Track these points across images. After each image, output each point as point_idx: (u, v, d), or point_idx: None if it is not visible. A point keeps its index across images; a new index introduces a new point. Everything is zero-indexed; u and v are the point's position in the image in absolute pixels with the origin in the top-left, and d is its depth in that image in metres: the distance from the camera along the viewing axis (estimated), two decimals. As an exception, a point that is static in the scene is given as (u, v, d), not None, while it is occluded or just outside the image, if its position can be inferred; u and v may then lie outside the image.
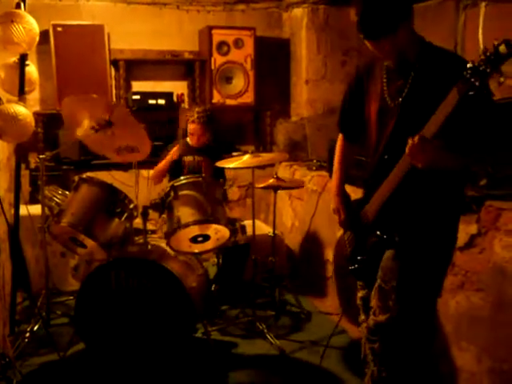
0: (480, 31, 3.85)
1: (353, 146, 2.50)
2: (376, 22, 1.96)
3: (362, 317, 2.41)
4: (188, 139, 4.01)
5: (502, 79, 1.71)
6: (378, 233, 2.20)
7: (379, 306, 2.20)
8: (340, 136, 2.51)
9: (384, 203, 2.17)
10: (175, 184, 3.14)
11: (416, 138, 1.88)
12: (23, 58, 3.17)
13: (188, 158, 4.02)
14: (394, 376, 2.22)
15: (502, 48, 1.67)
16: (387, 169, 2.11)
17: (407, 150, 1.92)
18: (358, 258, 2.35)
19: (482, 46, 2.99)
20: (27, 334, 3.18)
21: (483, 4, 4.00)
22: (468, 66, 1.75)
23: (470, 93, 1.75)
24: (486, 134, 1.97)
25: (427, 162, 1.91)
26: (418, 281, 2.16)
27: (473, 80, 1.73)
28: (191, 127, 3.93)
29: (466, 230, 2.53)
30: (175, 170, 3.95)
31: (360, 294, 2.44)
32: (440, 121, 1.86)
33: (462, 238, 2.55)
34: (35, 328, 3.23)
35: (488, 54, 1.71)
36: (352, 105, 2.36)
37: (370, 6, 1.96)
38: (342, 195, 2.49)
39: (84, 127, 3.10)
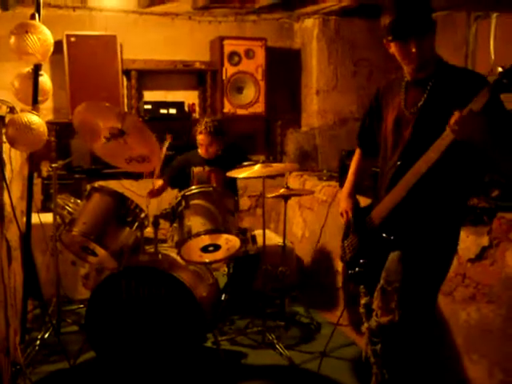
0: (491, 42, 3.86)
1: (368, 159, 2.60)
2: (410, 21, 2.06)
3: (366, 325, 2.42)
4: (199, 150, 4.02)
5: None
6: (385, 235, 2.25)
7: (381, 307, 2.23)
8: (357, 150, 2.64)
9: (393, 207, 2.22)
10: (186, 193, 3.15)
11: (464, 111, 1.93)
12: (37, 68, 3.20)
13: (197, 169, 4.02)
14: (396, 377, 2.25)
15: None
16: (399, 176, 2.18)
17: (452, 121, 1.95)
18: (360, 261, 2.39)
19: (493, 57, 3.02)
20: (38, 342, 3.19)
21: (494, 15, 4.01)
22: (499, 69, 1.89)
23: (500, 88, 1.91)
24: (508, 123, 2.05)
25: (470, 133, 1.96)
26: (421, 283, 2.20)
27: (504, 80, 1.88)
28: (199, 138, 3.93)
29: (477, 242, 2.52)
30: (184, 180, 3.95)
31: (363, 300, 2.46)
32: (479, 106, 1.94)
33: (473, 249, 2.54)
34: (46, 336, 3.25)
35: None
36: (371, 121, 2.47)
37: (405, 7, 2.08)
38: (352, 198, 2.57)
39: (96, 136, 3.12)
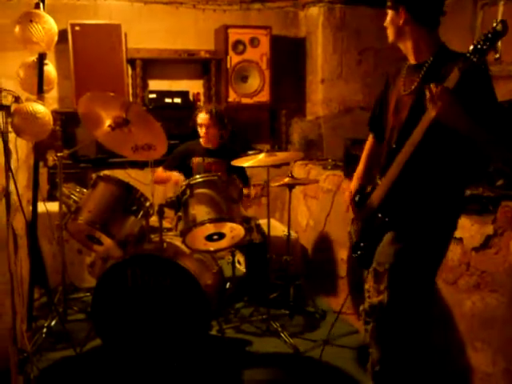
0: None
1: (380, 144, 2.61)
2: None
3: (362, 307, 2.46)
4: (200, 140, 3.98)
5: (496, 55, 1.93)
6: (380, 215, 2.30)
7: (373, 287, 2.28)
8: (370, 135, 2.68)
9: (388, 189, 2.27)
10: (191, 182, 3.15)
11: (439, 87, 1.97)
12: (42, 58, 3.21)
13: (197, 160, 3.99)
14: (387, 357, 2.29)
15: (499, 27, 1.87)
16: (393, 158, 2.23)
17: (427, 94, 2.00)
18: (361, 244, 2.45)
19: (499, 45, 3.02)
20: (44, 330, 3.23)
21: (501, 2, 3.98)
22: (470, 47, 1.91)
23: (469, 69, 1.93)
24: (489, 110, 2.04)
25: (443, 111, 1.98)
26: (411, 266, 2.23)
27: (471, 57, 1.91)
28: (199, 117, 3.88)
29: (481, 231, 2.52)
30: (184, 171, 3.92)
31: (366, 286, 2.47)
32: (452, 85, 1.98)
33: (477, 238, 2.55)
34: (52, 323, 3.28)
35: (487, 32, 1.89)
36: (381, 105, 2.49)
37: None
38: (360, 180, 2.64)
39: (101, 126, 3.13)
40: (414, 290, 2.27)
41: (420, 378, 2.42)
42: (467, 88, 1.97)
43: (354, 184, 2.66)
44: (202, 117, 3.88)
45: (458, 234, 2.64)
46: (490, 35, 1.88)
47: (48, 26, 3.02)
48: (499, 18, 3.28)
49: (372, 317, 2.29)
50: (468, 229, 2.60)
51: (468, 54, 1.93)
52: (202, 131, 3.93)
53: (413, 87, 2.21)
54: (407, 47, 2.25)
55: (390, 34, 2.27)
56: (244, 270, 4.07)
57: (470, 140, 2.07)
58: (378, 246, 2.33)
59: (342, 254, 4.02)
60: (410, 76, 2.26)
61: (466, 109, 1.98)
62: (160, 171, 4.01)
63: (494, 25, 1.88)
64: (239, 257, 4.23)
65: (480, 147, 2.10)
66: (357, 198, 2.56)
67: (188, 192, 3.12)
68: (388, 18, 2.25)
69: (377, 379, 2.36)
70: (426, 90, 2.01)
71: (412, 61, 2.27)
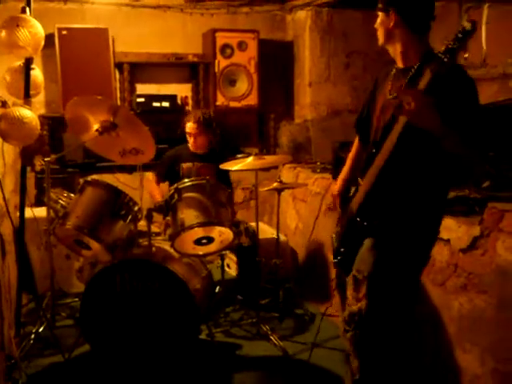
0: (483, 32, 3.86)
1: (366, 146, 2.59)
2: None
3: (342, 314, 2.46)
4: (189, 145, 3.97)
5: (466, 55, 1.93)
6: (359, 219, 2.28)
7: (352, 295, 2.25)
8: (356, 137, 2.67)
9: (366, 193, 2.26)
10: (179, 186, 3.15)
11: (412, 90, 1.99)
12: (28, 62, 3.19)
13: (186, 165, 3.96)
14: (367, 366, 2.27)
15: (468, 26, 1.88)
16: (371, 161, 2.23)
17: (399, 94, 2.02)
18: (341, 249, 2.43)
19: (484, 47, 3.04)
20: (32, 336, 3.20)
21: (486, 5, 4.01)
22: (442, 48, 1.92)
23: (440, 69, 1.93)
24: (459, 110, 2.04)
25: (415, 113, 1.97)
26: (390, 275, 2.21)
27: (443, 57, 1.91)
28: (187, 126, 3.88)
29: (468, 232, 2.54)
30: (173, 176, 3.91)
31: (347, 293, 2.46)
32: (423, 86, 1.99)
33: (465, 239, 2.56)
34: (40, 329, 3.25)
35: (457, 32, 1.90)
36: (368, 108, 2.48)
37: None
38: (344, 182, 2.65)
39: (88, 130, 3.12)
40: (393, 299, 2.24)
41: None
42: (439, 88, 1.97)
43: (337, 186, 2.66)
44: (190, 126, 3.87)
45: (445, 235, 2.66)
46: (459, 35, 1.89)
47: (34, 30, 3.01)
48: (484, 21, 3.33)
49: (351, 325, 2.25)
50: (455, 230, 2.61)
51: (440, 54, 1.94)
52: (190, 140, 3.92)
53: (395, 94, 2.19)
54: (396, 51, 2.25)
55: (380, 36, 2.28)
56: (233, 273, 4.07)
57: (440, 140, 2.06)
58: (357, 252, 2.29)
59: (331, 256, 4.02)
60: (396, 80, 2.26)
61: (438, 108, 1.97)
62: (152, 182, 4.02)
63: (464, 24, 1.89)
64: (228, 261, 4.23)
65: (444, 145, 2.07)
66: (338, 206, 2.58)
67: (176, 196, 3.12)
68: (378, 20, 2.26)
69: None
70: (400, 93, 2.03)
71: (400, 65, 2.27)
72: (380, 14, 2.24)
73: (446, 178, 2.27)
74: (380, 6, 2.23)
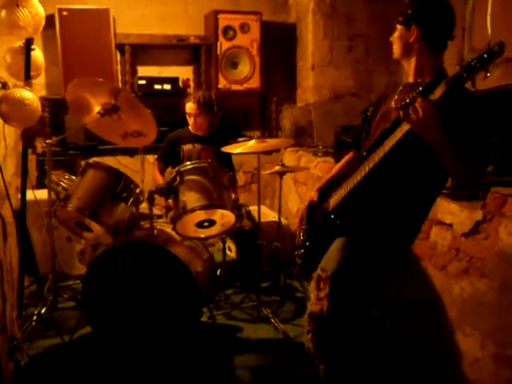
0: (488, 18, 3.82)
1: None
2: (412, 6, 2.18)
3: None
4: (190, 127, 3.97)
5: (488, 74, 1.82)
6: (332, 216, 2.26)
7: (314, 295, 2.20)
8: (350, 153, 2.60)
9: (348, 193, 2.23)
10: (181, 169, 3.13)
11: (423, 98, 1.92)
12: (29, 43, 3.16)
13: (187, 147, 3.96)
14: (330, 369, 2.23)
15: (496, 48, 1.79)
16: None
17: (411, 109, 1.94)
18: (306, 243, 2.41)
19: (489, 32, 3.01)
20: (34, 317, 3.20)
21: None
22: (464, 63, 1.83)
23: (456, 83, 1.86)
24: (465, 129, 1.98)
25: (422, 123, 1.91)
26: (355, 276, 2.15)
27: (462, 72, 1.84)
28: (187, 107, 3.87)
29: (471, 217, 2.54)
30: (175, 158, 3.92)
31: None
32: (436, 98, 1.92)
33: (467, 224, 2.56)
34: (42, 311, 3.26)
35: (483, 52, 1.81)
36: (368, 122, 2.43)
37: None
38: (320, 193, 2.53)
39: (89, 112, 3.11)
40: (356, 300, 2.18)
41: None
42: (450, 103, 1.92)
43: (314, 194, 2.55)
44: (190, 106, 3.86)
45: (447, 219, 2.66)
46: (485, 55, 1.80)
47: (35, 10, 2.97)
48: (489, 6, 3.26)
49: (311, 325, 2.21)
50: (457, 214, 2.61)
51: (459, 68, 1.86)
52: (190, 120, 3.92)
53: (403, 103, 2.17)
54: (410, 65, 2.21)
55: (396, 49, 2.23)
56: (234, 256, 4.08)
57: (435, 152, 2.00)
58: (324, 251, 2.25)
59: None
60: (404, 93, 2.22)
61: (445, 122, 1.92)
62: (157, 171, 4.02)
63: (491, 45, 1.82)
64: (230, 244, 4.24)
65: (440, 160, 2.01)
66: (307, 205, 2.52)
67: (178, 178, 3.10)
68: (397, 34, 2.20)
69: None
70: (410, 100, 1.99)
71: (410, 79, 2.23)
72: (399, 27, 2.19)
73: (433, 189, 2.24)
74: (401, 19, 2.17)
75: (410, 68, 2.23)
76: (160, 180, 3.92)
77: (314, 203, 2.50)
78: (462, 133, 1.96)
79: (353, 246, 2.18)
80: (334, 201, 2.32)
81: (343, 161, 2.62)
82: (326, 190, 2.49)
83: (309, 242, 2.42)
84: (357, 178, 2.19)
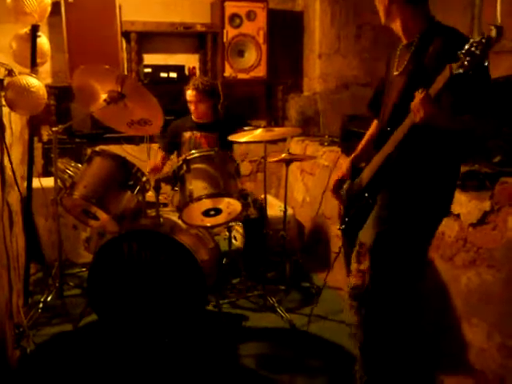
0: (498, 4, 3.77)
1: None
2: None
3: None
4: (192, 115, 3.96)
5: (485, 63, 1.78)
6: (366, 195, 2.30)
7: (356, 268, 2.23)
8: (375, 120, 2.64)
9: (377, 170, 2.25)
10: (187, 157, 3.12)
11: (422, 94, 1.91)
12: (35, 29, 3.15)
13: (188, 135, 3.97)
14: (371, 340, 2.27)
15: (493, 32, 1.75)
16: (384, 138, 2.19)
17: (413, 104, 1.95)
18: (346, 219, 2.46)
19: (499, 19, 2.97)
20: (41, 305, 3.22)
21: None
22: (465, 46, 1.78)
23: (460, 71, 1.80)
24: (478, 102, 1.98)
25: (425, 119, 1.92)
26: (394, 249, 2.18)
27: (463, 58, 1.79)
28: (187, 94, 3.87)
29: (479, 207, 2.52)
30: (174, 146, 3.91)
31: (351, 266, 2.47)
32: (437, 89, 1.91)
33: (475, 214, 2.54)
34: (48, 299, 3.27)
35: (481, 37, 1.77)
36: (381, 87, 2.44)
37: None
38: (352, 162, 2.58)
39: (95, 100, 3.09)
40: (396, 273, 2.21)
41: (406, 361, 2.40)
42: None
43: (344, 166, 2.60)
44: (190, 93, 3.85)
45: (455, 209, 2.64)
46: (483, 40, 1.77)
47: (41, -4, 2.96)
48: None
49: (355, 299, 2.25)
50: (465, 205, 2.59)
51: (461, 54, 1.80)
52: (191, 107, 3.91)
53: (403, 67, 2.18)
54: (397, 27, 2.22)
55: (381, 15, 2.26)
56: (240, 245, 4.07)
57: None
58: (362, 225, 2.28)
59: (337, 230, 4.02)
60: (402, 56, 2.23)
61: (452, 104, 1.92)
62: (160, 157, 4.03)
63: (489, 30, 1.77)
64: (235, 233, 4.23)
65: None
66: (345, 185, 2.54)
67: (185, 167, 3.09)
68: None
69: (362, 361, 2.33)
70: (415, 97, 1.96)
71: (404, 40, 2.24)
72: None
73: (458, 154, 2.24)
74: None
75: (398, 30, 2.24)
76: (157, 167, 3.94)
77: (345, 177, 2.56)
78: (469, 87, 1.94)
79: (387, 221, 2.20)
80: (365, 177, 2.34)
81: (370, 129, 2.64)
82: (359, 157, 2.57)
83: (349, 218, 2.45)
84: (385, 153, 2.19)
